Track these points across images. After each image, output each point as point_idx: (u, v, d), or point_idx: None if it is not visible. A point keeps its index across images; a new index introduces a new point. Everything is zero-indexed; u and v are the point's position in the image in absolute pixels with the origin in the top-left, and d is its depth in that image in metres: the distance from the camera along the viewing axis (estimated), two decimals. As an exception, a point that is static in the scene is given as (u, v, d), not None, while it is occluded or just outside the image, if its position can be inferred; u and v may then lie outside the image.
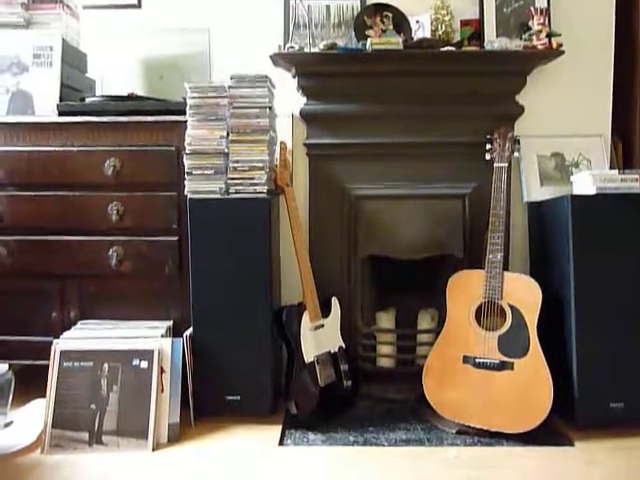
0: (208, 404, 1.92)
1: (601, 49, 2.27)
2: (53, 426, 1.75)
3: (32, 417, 1.87)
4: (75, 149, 2.02)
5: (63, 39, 2.17)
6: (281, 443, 1.79)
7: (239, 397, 1.91)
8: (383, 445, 1.78)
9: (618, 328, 1.81)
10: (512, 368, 1.81)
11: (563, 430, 1.83)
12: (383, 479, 1.58)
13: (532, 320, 1.82)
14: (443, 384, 1.90)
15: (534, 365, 1.79)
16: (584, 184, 1.92)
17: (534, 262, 2.21)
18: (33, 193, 2.04)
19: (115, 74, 2.41)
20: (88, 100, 2.12)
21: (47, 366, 1.81)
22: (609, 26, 2.26)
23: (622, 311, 1.81)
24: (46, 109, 2.10)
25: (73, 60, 2.24)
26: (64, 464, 1.66)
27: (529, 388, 1.78)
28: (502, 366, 1.83)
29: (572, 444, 1.76)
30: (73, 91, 2.21)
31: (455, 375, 1.89)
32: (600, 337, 1.80)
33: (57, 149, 2.02)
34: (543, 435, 1.77)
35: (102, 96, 2.19)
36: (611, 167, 2.24)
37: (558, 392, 1.74)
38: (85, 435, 1.75)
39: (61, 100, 2.11)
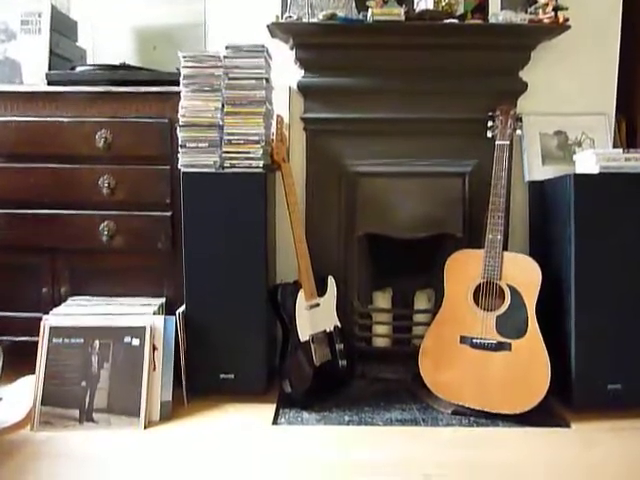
0: (201, 382, 1.89)
1: (607, 26, 2.21)
2: (43, 403, 1.72)
3: (21, 394, 1.84)
4: (65, 120, 1.96)
5: (52, 5, 2.10)
6: (275, 422, 1.77)
7: (233, 375, 1.89)
8: (378, 425, 1.76)
9: (617, 310, 1.78)
10: (510, 349, 1.80)
11: (559, 411, 1.82)
12: (378, 459, 1.56)
13: (531, 301, 1.80)
14: (439, 364, 1.88)
15: (532, 346, 1.77)
16: (587, 163, 1.88)
17: (534, 242, 2.18)
18: (21, 165, 1.98)
19: (107, 43, 2.34)
20: (78, 69, 2.06)
21: (37, 342, 1.78)
22: (616, 2, 2.20)
23: (622, 293, 1.79)
24: (35, 78, 2.05)
25: (63, 28, 2.17)
26: (54, 441, 1.63)
27: (526, 369, 1.76)
28: (500, 347, 1.81)
29: (568, 425, 1.75)
30: (63, 60, 2.15)
31: (452, 355, 1.87)
32: (599, 319, 1.78)
33: (46, 119, 1.97)
34: (539, 416, 1.75)
35: (93, 65, 2.12)
36: (614, 146, 2.20)
37: (555, 373, 1.73)
38: (75, 412, 1.72)
39: (50, 69, 2.06)
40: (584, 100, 2.22)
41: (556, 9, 2.03)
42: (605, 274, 1.79)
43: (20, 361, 1.91)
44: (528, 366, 1.76)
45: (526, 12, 2.08)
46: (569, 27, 2.04)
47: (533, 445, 1.64)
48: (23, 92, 1.97)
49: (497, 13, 2.07)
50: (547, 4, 2.03)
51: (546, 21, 2.03)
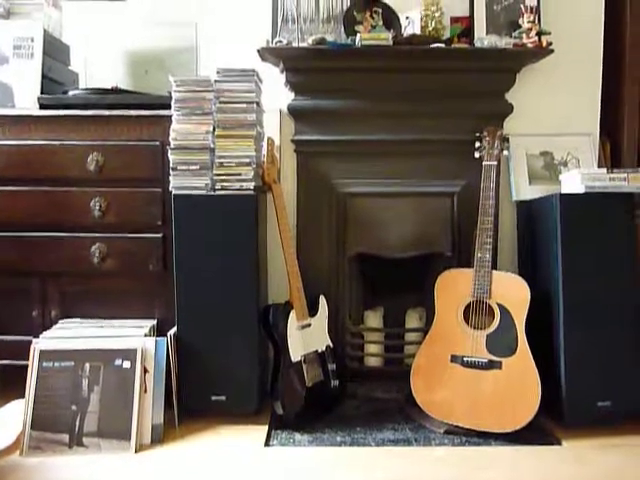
0: (193, 404, 1.89)
1: (590, 48, 2.27)
2: (32, 427, 1.70)
3: (11, 418, 1.82)
4: (57, 143, 1.98)
5: (44, 30, 2.12)
6: (267, 444, 1.76)
7: (224, 397, 1.88)
8: (370, 445, 1.76)
9: (605, 327, 1.81)
10: (500, 367, 1.81)
11: (551, 429, 1.83)
12: (371, 480, 1.56)
13: (520, 319, 1.81)
14: (431, 383, 1.89)
15: (522, 364, 1.78)
16: (573, 183, 1.92)
17: (522, 261, 2.20)
18: (13, 188, 1.99)
19: (99, 67, 2.36)
20: (70, 93, 2.07)
21: (27, 366, 1.76)
22: (598, 25, 2.27)
23: (610, 310, 1.81)
24: (27, 102, 2.05)
25: (55, 52, 2.19)
26: (43, 467, 1.61)
27: (517, 387, 1.77)
28: (490, 365, 1.82)
29: (560, 443, 1.76)
30: (55, 84, 2.16)
31: (443, 374, 1.87)
32: (588, 336, 1.80)
33: (38, 143, 1.98)
34: (531, 434, 1.76)
35: (85, 89, 2.14)
36: (599, 166, 2.24)
37: (545, 391, 1.74)
38: (65, 437, 1.70)
39: (42, 93, 2.07)
40: (569, 121, 2.27)
41: (539, 33, 2.09)
42: (592, 292, 1.81)
43: (10, 385, 1.89)
44: (519, 384, 1.77)
45: (510, 36, 2.13)
46: (552, 51, 2.10)
47: (525, 463, 1.64)
48: (15, 116, 1.98)
49: (482, 37, 2.13)
50: (530, 29, 2.08)
51: (530, 45, 2.08)
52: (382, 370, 2.24)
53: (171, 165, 1.88)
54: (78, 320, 2.00)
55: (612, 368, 1.81)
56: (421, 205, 2.20)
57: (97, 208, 1.97)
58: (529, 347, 1.78)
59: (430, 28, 2.15)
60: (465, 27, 2.20)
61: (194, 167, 1.88)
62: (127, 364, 1.78)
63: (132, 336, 1.85)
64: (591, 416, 1.81)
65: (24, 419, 1.71)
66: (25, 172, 1.98)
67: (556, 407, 1.81)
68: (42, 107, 2.01)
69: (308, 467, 1.63)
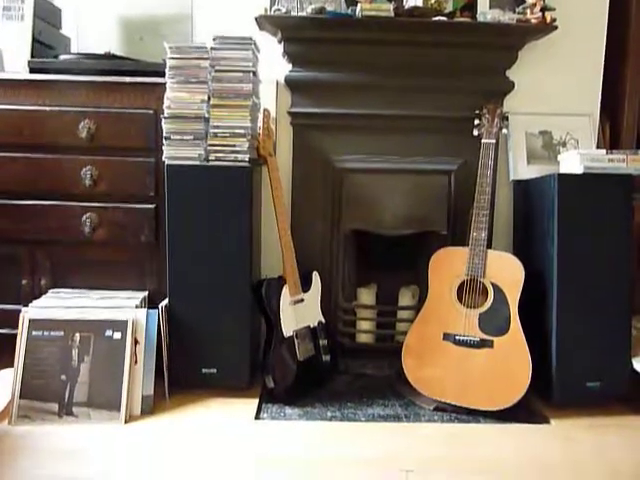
0: (183, 377, 1.88)
1: (594, 27, 2.23)
2: (21, 396, 1.69)
3: (-1, 387, 1.81)
4: (47, 109, 1.92)
5: (36, -9, 2.06)
6: (257, 417, 1.76)
7: (215, 370, 1.87)
8: (360, 420, 1.77)
9: (598, 308, 1.81)
10: (492, 346, 1.81)
11: (539, 408, 1.85)
12: (360, 454, 1.57)
13: (514, 299, 1.81)
14: (422, 361, 1.89)
15: (514, 343, 1.78)
16: (571, 163, 1.90)
17: (518, 240, 2.19)
18: (2, 154, 1.94)
19: (92, 32, 2.29)
20: (62, 57, 2.02)
21: (16, 335, 1.75)
22: (603, 4, 2.22)
23: (603, 292, 1.81)
24: (17, 66, 2.00)
25: (46, 14, 2.13)
26: (32, 435, 1.61)
27: (508, 366, 1.78)
28: (482, 344, 1.82)
29: (548, 422, 1.77)
30: (46, 48, 2.10)
31: (434, 352, 1.87)
32: (579, 317, 1.80)
33: (28, 108, 1.93)
34: (519, 413, 1.77)
35: (77, 54, 2.08)
36: (598, 147, 2.22)
37: (536, 370, 1.74)
38: (54, 406, 1.69)
39: (33, 56, 2.01)
40: (569, 101, 2.24)
41: (544, 9, 2.04)
42: (587, 273, 1.81)
43: (-2, 354, 1.89)
44: (509, 363, 1.78)
45: (514, 12, 2.08)
46: (556, 27, 2.06)
47: (513, 441, 1.66)
48: (4, 80, 1.93)
49: (485, 12, 2.07)
50: (535, 4, 2.04)
51: (533, 21, 2.04)
52: (374, 347, 2.24)
53: (164, 134, 1.84)
54: (68, 290, 1.97)
55: (602, 349, 1.81)
56: (418, 182, 2.17)
57: (88, 177, 1.93)
58: (521, 326, 1.78)
59: (432, 0, 2.10)
60: (468, 1, 2.14)
61: (188, 137, 1.84)
62: (118, 335, 1.77)
63: (123, 307, 1.83)
64: (580, 396, 1.83)
65: (13, 388, 1.70)
66: (14, 138, 1.93)
67: (546, 386, 1.82)
68: (32, 71, 1.95)
69: (298, 441, 1.63)
